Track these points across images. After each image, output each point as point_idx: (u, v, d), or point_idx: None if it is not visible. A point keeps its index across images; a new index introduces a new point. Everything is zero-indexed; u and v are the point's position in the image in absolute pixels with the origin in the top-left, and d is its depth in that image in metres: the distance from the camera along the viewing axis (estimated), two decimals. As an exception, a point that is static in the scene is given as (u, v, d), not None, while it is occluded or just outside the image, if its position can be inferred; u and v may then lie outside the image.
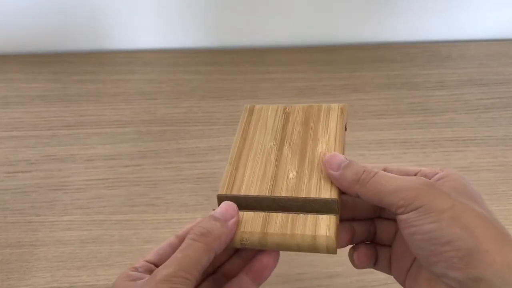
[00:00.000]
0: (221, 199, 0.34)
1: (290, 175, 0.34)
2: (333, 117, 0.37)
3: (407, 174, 0.33)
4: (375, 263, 0.36)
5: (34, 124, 0.62)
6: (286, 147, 0.36)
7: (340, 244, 0.35)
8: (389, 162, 0.57)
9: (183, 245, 0.30)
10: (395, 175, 0.31)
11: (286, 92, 0.67)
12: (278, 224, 0.32)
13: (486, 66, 0.71)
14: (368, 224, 0.37)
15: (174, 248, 0.32)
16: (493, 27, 0.76)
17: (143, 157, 0.58)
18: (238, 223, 0.32)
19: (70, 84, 0.68)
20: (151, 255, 0.32)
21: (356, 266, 0.36)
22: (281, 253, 0.36)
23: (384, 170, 0.34)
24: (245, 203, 0.33)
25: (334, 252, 0.31)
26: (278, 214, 0.32)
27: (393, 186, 0.30)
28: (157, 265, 0.31)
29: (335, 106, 0.38)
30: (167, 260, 0.30)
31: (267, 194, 0.33)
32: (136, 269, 0.31)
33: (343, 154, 0.35)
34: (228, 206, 0.33)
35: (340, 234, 0.34)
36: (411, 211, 0.29)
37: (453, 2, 0.72)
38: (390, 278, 0.44)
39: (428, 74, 0.70)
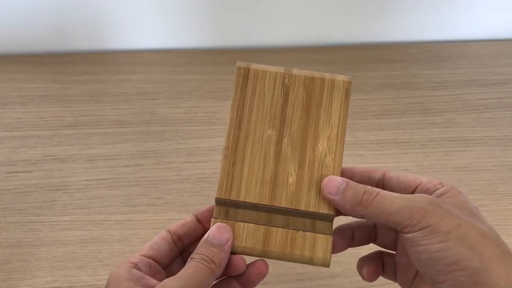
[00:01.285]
0: (219, 202, 0.33)
1: (290, 180, 0.33)
2: (337, 101, 0.35)
3: (407, 186, 0.34)
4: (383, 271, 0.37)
5: (34, 124, 0.62)
6: (286, 139, 0.34)
7: (337, 249, 0.36)
8: (389, 162, 0.57)
9: (190, 264, 0.30)
10: (397, 194, 0.31)
11: (286, 92, 0.67)
12: (278, 241, 0.32)
13: (486, 66, 0.71)
14: (369, 228, 0.37)
15: (167, 242, 0.33)
16: (493, 27, 0.76)
17: (143, 157, 0.58)
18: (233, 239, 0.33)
19: (70, 84, 0.68)
20: (146, 250, 0.33)
21: (366, 280, 0.37)
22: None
23: (383, 176, 0.35)
24: (244, 207, 0.33)
25: (328, 266, 0.33)
26: (278, 229, 0.33)
27: (398, 206, 0.30)
28: (154, 260, 0.32)
29: (340, 83, 0.35)
30: (164, 254, 0.32)
31: (266, 203, 0.33)
32: (136, 265, 0.31)
33: (343, 150, 0.34)
34: (222, 228, 0.32)
35: (339, 239, 0.36)
36: (417, 230, 0.29)
37: (453, 2, 0.72)
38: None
39: (428, 74, 0.70)
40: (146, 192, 0.54)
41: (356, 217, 0.32)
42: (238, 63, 0.37)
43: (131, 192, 0.54)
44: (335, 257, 0.46)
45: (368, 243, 0.37)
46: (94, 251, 0.48)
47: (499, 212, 0.53)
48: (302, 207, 0.33)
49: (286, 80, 0.36)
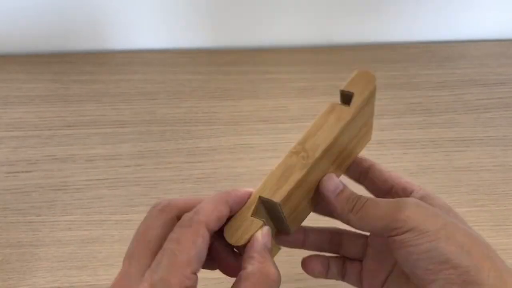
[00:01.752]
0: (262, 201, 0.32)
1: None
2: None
3: (386, 180, 0.35)
4: (343, 277, 0.38)
5: (34, 124, 0.62)
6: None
7: (285, 243, 0.37)
8: (389, 162, 0.57)
9: (251, 275, 0.27)
10: (383, 200, 0.32)
11: (286, 92, 0.67)
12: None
13: (486, 66, 0.71)
14: (329, 235, 0.39)
15: (207, 244, 0.27)
16: (493, 27, 0.76)
17: (143, 157, 0.58)
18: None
19: (70, 84, 0.68)
20: (195, 262, 0.26)
21: (310, 274, 0.39)
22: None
23: (370, 167, 0.36)
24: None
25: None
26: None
27: (385, 209, 0.30)
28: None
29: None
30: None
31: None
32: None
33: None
34: (266, 235, 0.30)
35: (288, 237, 0.37)
36: (406, 232, 0.29)
37: (453, 2, 0.72)
38: (390, 278, 0.44)
39: (428, 74, 0.70)
40: (146, 192, 0.54)
41: (342, 222, 0.33)
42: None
43: (131, 192, 0.54)
44: (335, 257, 0.46)
45: (331, 251, 0.39)
46: (94, 251, 0.48)
47: (499, 212, 0.53)
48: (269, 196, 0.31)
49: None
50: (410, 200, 0.31)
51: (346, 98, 0.33)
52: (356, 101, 0.33)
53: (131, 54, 0.74)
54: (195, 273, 0.26)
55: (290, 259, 0.47)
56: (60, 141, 0.60)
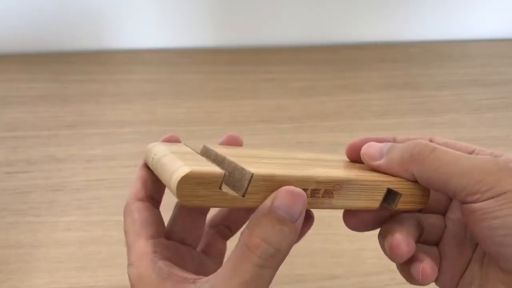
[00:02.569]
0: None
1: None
2: None
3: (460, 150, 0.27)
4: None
5: (33, 124, 0.62)
6: None
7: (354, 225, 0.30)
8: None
9: (238, 254, 0.23)
10: (460, 153, 0.25)
11: (286, 92, 0.67)
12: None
13: (488, 66, 0.71)
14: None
15: (150, 210, 0.28)
16: (495, 27, 0.75)
17: (143, 157, 0.58)
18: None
19: (69, 84, 0.68)
20: (146, 231, 0.27)
21: (419, 283, 0.28)
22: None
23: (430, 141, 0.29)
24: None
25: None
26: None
27: (464, 166, 0.24)
28: (159, 235, 0.27)
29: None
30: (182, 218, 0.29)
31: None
32: (156, 254, 0.26)
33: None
34: (296, 196, 0.23)
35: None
36: (489, 198, 0.23)
37: (455, 2, 0.72)
38: (392, 280, 0.44)
39: (429, 74, 0.70)
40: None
41: (409, 178, 0.27)
42: None
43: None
44: (336, 259, 0.46)
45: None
46: (93, 252, 0.48)
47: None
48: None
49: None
50: (497, 160, 0.25)
51: (391, 197, 0.28)
52: (399, 207, 0.28)
53: (131, 54, 0.74)
54: (151, 238, 0.27)
55: (291, 259, 0.47)
56: (59, 141, 0.60)
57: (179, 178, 0.23)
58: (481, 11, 0.73)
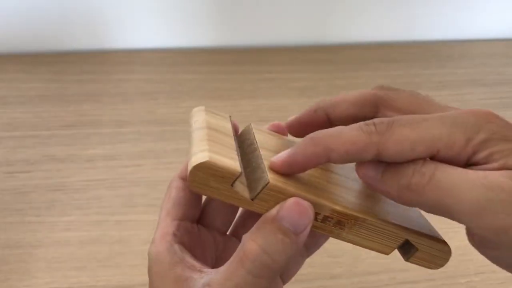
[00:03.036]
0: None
1: None
2: None
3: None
4: None
5: (33, 124, 0.62)
6: None
7: None
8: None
9: (240, 270, 0.23)
10: (462, 171, 0.21)
11: (286, 92, 0.67)
12: None
13: (487, 66, 0.71)
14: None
15: (187, 191, 0.29)
16: (495, 27, 0.76)
17: (142, 157, 0.58)
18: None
19: (69, 84, 0.68)
20: (174, 210, 0.28)
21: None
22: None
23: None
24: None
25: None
26: None
27: (467, 200, 0.21)
28: (187, 219, 0.28)
29: None
30: (191, 207, 0.28)
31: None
32: (175, 237, 0.26)
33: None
34: (303, 209, 0.23)
35: None
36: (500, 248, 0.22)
37: (455, 2, 0.72)
38: (391, 280, 0.44)
39: (429, 74, 0.70)
40: (145, 192, 0.54)
41: (405, 205, 0.24)
42: None
43: (131, 193, 0.54)
44: (336, 258, 0.46)
45: None
46: (93, 252, 0.48)
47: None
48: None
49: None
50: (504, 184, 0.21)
51: (407, 247, 0.26)
52: (411, 260, 0.26)
53: (131, 54, 0.73)
54: (178, 220, 0.28)
55: (290, 260, 0.47)
56: (59, 141, 0.60)
57: (195, 163, 0.23)
58: (481, 11, 0.73)
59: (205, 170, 0.23)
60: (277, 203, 0.23)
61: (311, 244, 0.32)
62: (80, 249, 0.48)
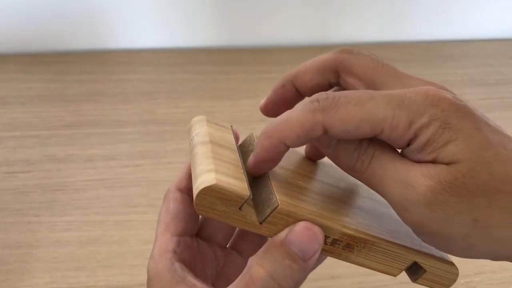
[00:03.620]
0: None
1: None
2: None
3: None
4: None
5: (33, 124, 0.62)
6: None
7: None
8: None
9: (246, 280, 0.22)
10: (395, 163, 0.22)
11: (287, 92, 0.67)
12: None
13: (487, 66, 0.71)
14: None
15: (186, 204, 0.28)
16: (495, 27, 0.75)
17: (142, 157, 0.58)
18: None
19: (69, 84, 0.68)
20: (173, 224, 0.27)
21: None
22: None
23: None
24: None
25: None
26: None
27: (397, 189, 0.22)
28: (186, 234, 0.27)
29: None
30: (190, 220, 0.27)
31: None
32: (176, 254, 0.26)
33: None
34: (313, 234, 0.22)
35: None
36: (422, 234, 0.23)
37: (455, 2, 0.72)
38: (391, 280, 0.44)
39: (429, 74, 0.70)
40: (145, 192, 0.54)
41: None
42: None
43: (130, 193, 0.53)
44: (337, 260, 0.46)
45: None
46: (93, 252, 0.48)
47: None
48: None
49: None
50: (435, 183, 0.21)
51: (414, 269, 0.26)
52: (419, 282, 0.26)
53: (130, 54, 0.73)
54: (177, 235, 0.27)
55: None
56: (59, 141, 0.60)
57: (201, 187, 0.22)
58: (481, 11, 0.73)
59: (212, 194, 0.22)
60: (286, 226, 0.23)
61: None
62: (80, 249, 0.48)
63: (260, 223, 0.23)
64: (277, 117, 0.23)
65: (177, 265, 0.25)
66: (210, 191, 0.22)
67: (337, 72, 0.27)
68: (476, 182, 0.20)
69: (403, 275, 0.28)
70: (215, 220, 0.29)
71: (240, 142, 0.30)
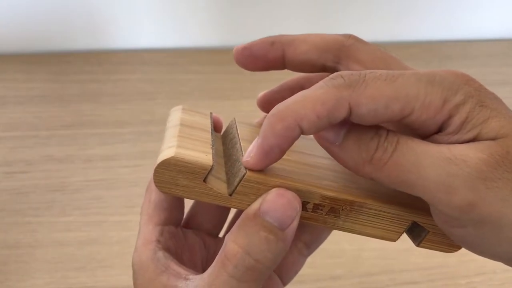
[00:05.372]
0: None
1: None
2: None
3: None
4: None
5: (32, 124, 0.62)
6: None
7: None
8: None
9: (221, 261, 0.21)
10: (427, 144, 0.20)
11: (286, 92, 0.67)
12: None
13: (487, 66, 0.71)
14: None
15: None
16: (495, 27, 0.75)
17: (142, 157, 0.58)
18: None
19: (68, 84, 0.68)
20: (158, 213, 0.26)
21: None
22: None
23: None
24: None
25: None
26: None
27: (431, 179, 0.19)
28: (171, 223, 0.26)
29: None
30: (175, 208, 0.26)
31: None
32: (159, 243, 0.25)
33: None
34: (288, 200, 0.21)
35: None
36: (466, 226, 0.20)
37: (455, 2, 0.72)
38: (391, 280, 0.44)
39: (429, 74, 0.70)
40: (144, 192, 0.53)
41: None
42: None
43: (130, 193, 0.53)
44: (337, 259, 0.46)
45: None
46: (92, 252, 0.48)
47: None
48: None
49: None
50: (476, 165, 0.19)
51: (416, 231, 0.24)
52: (423, 245, 0.24)
53: (130, 54, 0.73)
54: (161, 225, 0.26)
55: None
56: (58, 141, 0.60)
57: (159, 161, 0.21)
58: (482, 11, 0.73)
59: (171, 168, 0.21)
60: (258, 196, 0.21)
61: (311, 240, 0.30)
62: (80, 250, 0.48)
63: (230, 195, 0.21)
64: (290, 98, 0.20)
65: (161, 254, 0.24)
66: (168, 165, 0.21)
67: (338, 56, 0.25)
68: None
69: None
70: (203, 208, 0.29)
71: (223, 130, 0.28)
